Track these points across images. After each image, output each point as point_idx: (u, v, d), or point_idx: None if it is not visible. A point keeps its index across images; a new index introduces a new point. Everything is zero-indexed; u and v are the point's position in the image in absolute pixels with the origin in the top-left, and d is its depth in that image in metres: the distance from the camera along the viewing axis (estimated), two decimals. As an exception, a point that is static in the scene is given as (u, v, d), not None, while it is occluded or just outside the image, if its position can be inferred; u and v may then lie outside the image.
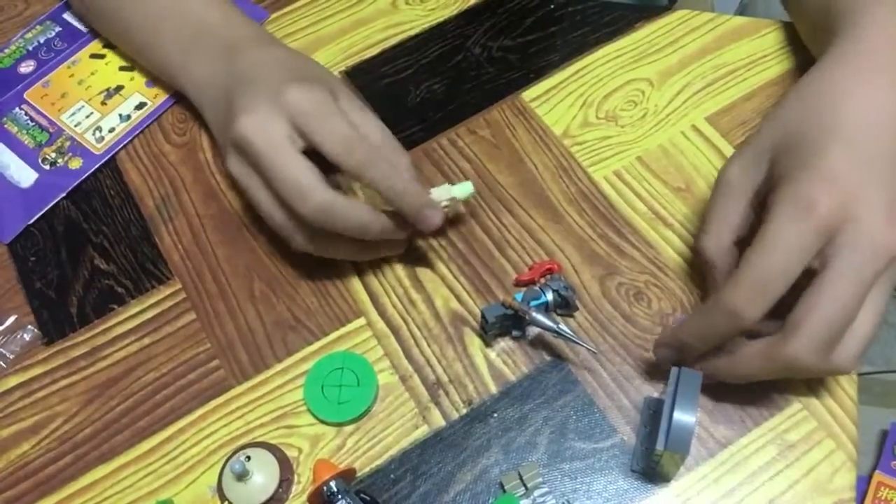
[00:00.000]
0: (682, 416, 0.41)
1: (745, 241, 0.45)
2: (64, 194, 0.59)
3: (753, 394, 0.48)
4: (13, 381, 0.52)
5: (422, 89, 0.62)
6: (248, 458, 0.46)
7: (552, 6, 0.65)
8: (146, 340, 0.53)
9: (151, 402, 0.51)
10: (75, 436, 0.50)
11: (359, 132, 0.49)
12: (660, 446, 0.41)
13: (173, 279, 0.55)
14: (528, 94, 0.61)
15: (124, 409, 0.51)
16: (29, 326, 0.54)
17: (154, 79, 0.63)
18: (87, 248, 0.57)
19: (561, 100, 0.60)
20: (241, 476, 0.45)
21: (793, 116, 0.45)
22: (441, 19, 0.66)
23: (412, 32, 0.65)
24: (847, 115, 0.43)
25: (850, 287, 0.40)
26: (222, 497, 0.46)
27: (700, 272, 0.52)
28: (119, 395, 0.51)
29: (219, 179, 0.59)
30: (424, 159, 0.58)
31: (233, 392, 0.51)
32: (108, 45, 0.66)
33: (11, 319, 0.54)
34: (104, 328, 0.54)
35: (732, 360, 0.44)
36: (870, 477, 0.97)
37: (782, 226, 0.41)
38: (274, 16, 0.67)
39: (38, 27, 0.67)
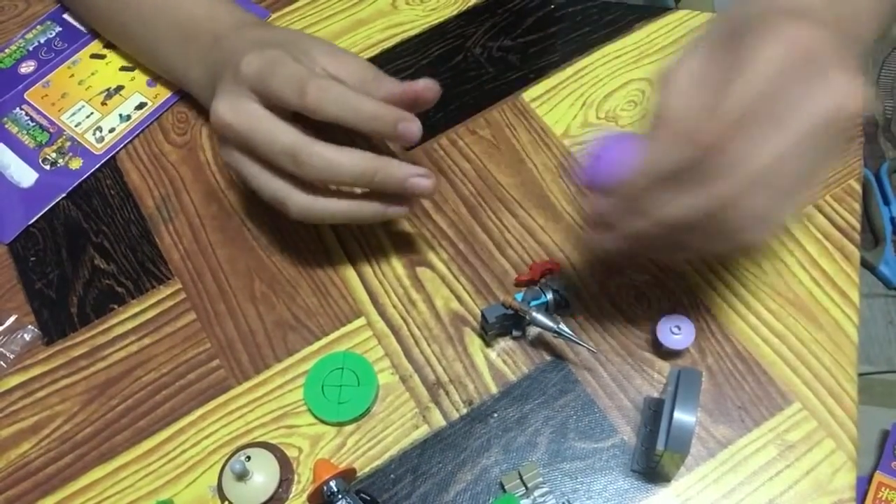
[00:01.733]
0: (683, 416, 0.41)
1: None
2: (64, 194, 0.59)
3: (754, 394, 0.48)
4: (13, 380, 0.52)
5: (422, 89, 0.62)
6: (249, 458, 0.46)
7: (552, 6, 0.65)
8: (146, 340, 0.53)
9: (151, 401, 0.51)
10: (75, 436, 0.50)
11: (319, 74, 0.47)
12: (660, 446, 0.41)
13: (173, 279, 0.55)
14: (529, 94, 0.61)
15: (124, 409, 0.51)
16: (29, 326, 0.54)
17: (156, 78, 0.63)
18: (88, 247, 0.57)
19: (561, 100, 0.60)
20: (242, 476, 0.45)
21: (730, 14, 0.41)
22: (441, 19, 0.66)
23: (412, 33, 0.65)
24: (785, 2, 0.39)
25: (796, 135, 0.36)
26: (222, 497, 0.46)
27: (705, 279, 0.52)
28: (119, 394, 0.51)
29: (219, 179, 0.59)
30: (425, 160, 0.58)
31: (233, 392, 0.51)
32: (108, 45, 0.66)
33: (11, 319, 0.54)
34: (104, 328, 0.54)
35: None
36: (870, 477, 0.97)
37: (763, 55, 0.36)
38: (274, 16, 0.67)
39: (38, 27, 0.67)
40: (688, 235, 0.40)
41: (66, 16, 0.68)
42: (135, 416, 0.50)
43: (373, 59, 0.63)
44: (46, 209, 0.58)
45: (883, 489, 0.96)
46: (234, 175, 0.53)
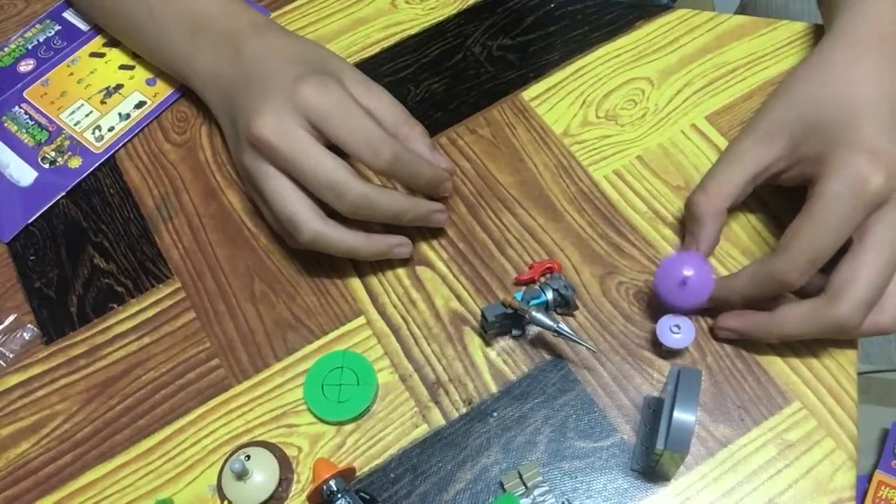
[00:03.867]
0: (682, 416, 0.41)
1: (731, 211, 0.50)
2: (63, 193, 0.59)
3: (753, 393, 0.48)
4: (13, 380, 0.52)
5: (422, 88, 0.62)
6: (248, 457, 0.46)
7: (552, 5, 0.65)
8: (146, 339, 0.53)
9: (151, 401, 0.51)
10: (75, 435, 0.50)
11: (374, 119, 0.49)
12: (660, 445, 0.41)
13: (173, 278, 0.55)
14: (528, 94, 0.61)
15: (124, 409, 0.51)
16: (29, 325, 0.54)
17: (158, 75, 0.63)
18: (87, 247, 0.57)
19: (561, 99, 0.60)
20: (241, 475, 0.45)
21: (808, 100, 0.48)
22: (441, 18, 0.65)
23: (412, 31, 0.65)
24: (864, 90, 0.46)
25: (892, 251, 0.44)
26: (222, 496, 0.46)
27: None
28: (119, 394, 0.51)
29: (219, 178, 0.59)
30: (424, 158, 0.58)
31: (232, 391, 0.51)
32: (107, 43, 0.65)
33: (11, 318, 0.54)
34: (104, 327, 0.54)
35: (772, 319, 0.47)
36: (870, 476, 0.97)
37: (834, 200, 0.44)
38: (274, 15, 0.67)
39: (37, 26, 0.67)
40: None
41: (65, 14, 0.68)
42: (134, 415, 0.50)
43: (373, 58, 0.64)
44: (46, 208, 0.58)
45: (883, 488, 0.96)
46: (248, 183, 0.52)
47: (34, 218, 0.58)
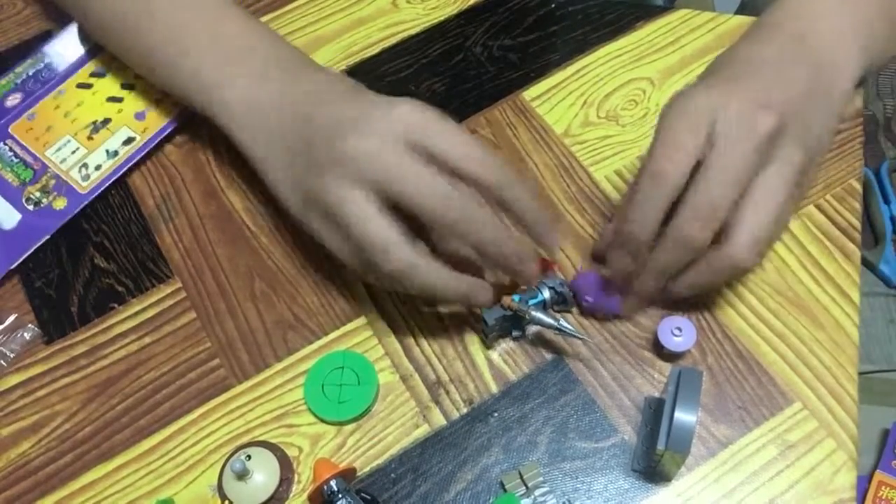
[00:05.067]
0: (683, 416, 0.41)
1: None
2: (48, 236, 0.56)
3: (754, 393, 0.48)
4: (13, 379, 0.52)
5: (422, 88, 0.62)
6: (249, 457, 0.46)
7: (553, 5, 0.65)
8: (146, 339, 0.53)
9: (152, 401, 0.51)
10: (75, 435, 0.50)
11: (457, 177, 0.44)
12: (660, 446, 0.41)
13: (173, 278, 0.55)
14: (529, 94, 0.61)
15: (124, 408, 0.51)
16: (29, 325, 0.54)
17: (147, 108, 0.60)
18: (88, 246, 0.57)
19: (562, 99, 0.60)
20: (242, 475, 0.45)
21: (713, 65, 0.50)
22: (441, 18, 0.65)
23: (413, 31, 0.65)
24: (761, 50, 0.48)
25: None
26: (223, 496, 0.46)
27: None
28: (119, 393, 0.51)
29: (219, 178, 0.59)
30: (425, 158, 0.58)
31: (233, 391, 0.51)
32: (95, 73, 0.62)
33: (12, 318, 0.54)
34: (104, 327, 0.54)
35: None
36: (871, 476, 0.97)
37: (726, 145, 0.43)
38: (274, 14, 0.67)
39: (29, 60, 0.63)
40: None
41: (51, 43, 0.64)
42: (135, 415, 0.50)
43: (373, 59, 0.63)
44: (29, 253, 0.56)
45: (883, 488, 0.96)
46: (319, 213, 0.47)
47: (17, 263, 0.55)
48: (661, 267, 0.46)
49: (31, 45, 0.66)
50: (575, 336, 0.48)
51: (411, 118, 0.44)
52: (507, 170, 0.45)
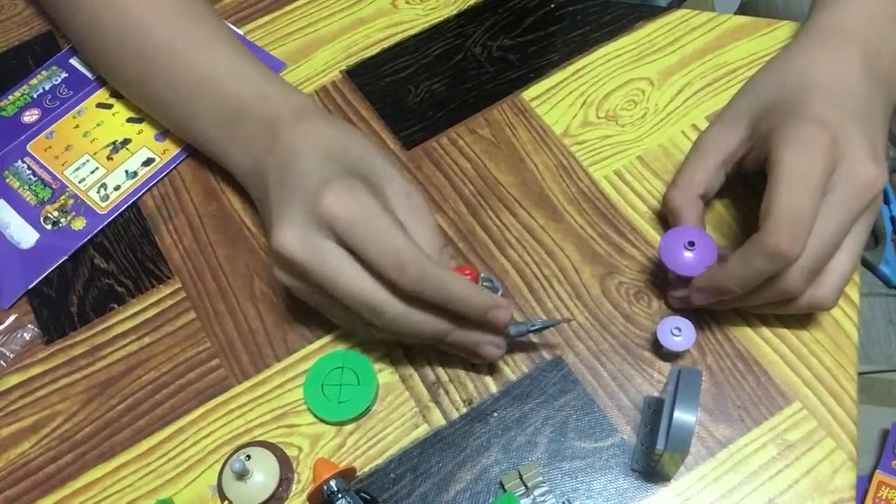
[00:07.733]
0: (683, 416, 0.41)
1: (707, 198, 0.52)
2: (66, 257, 0.55)
3: (754, 393, 0.48)
4: (13, 380, 0.52)
5: (422, 89, 0.62)
6: (249, 457, 0.46)
7: (552, 5, 0.65)
8: (146, 339, 0.53)
9: (151, 401, 0.51)
10: (75, 435, 0.50)
11: (405, 232, 0.44)
12: (660, 445, 0.41)
13: (173, 278, 0.55)
14: (529, 94, 0.61)
15: (124, 409, 0.51)
16: (29, 325, 0.54)
17: (164, 132, 0.60)
18: (87, 246, 0.57)
19: (561, 99, 0.60)
20: (242, 475, 0.45)
21: (768, 84, 0.50)
22: (441, 18, 0.66)
23: (412, 32, 0.65)
24: (820, 75, 0.48)
25: (838, 220, 0.44)
26: (222, 496, 0.47)
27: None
28: (119, 394, 0.51)
29: (219, 178, 0.59)
30: (424, 159, 0.58)
31: (233, 391, 0.51)
32: (115, 94, 0.62)
33: (11, 318, 0.54)
34: (104, 327, 0.54)
35: (717, 271, 0.47)
36: (870, 476, 0.97)
37: (795, 164, 0.43)
38: (274, 14, 0.67)
39: (43, 73, 0.63)
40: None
41: (72, 61, 0.64)
42: (135, 415, 0.50)
43: (373, 59, 0.64)
44: (46, 273, 0.55)
45: (883, 488, 0.96)
46: (303, 281, 0.47)
47: (34, 283, 0.55)
48: (752, 301, 0.47)
49: (32, 47, 0.66)
50: (550, 325, 0.48)
51: (333, 211, 0.43)
52: (427, 270, 0.43)
